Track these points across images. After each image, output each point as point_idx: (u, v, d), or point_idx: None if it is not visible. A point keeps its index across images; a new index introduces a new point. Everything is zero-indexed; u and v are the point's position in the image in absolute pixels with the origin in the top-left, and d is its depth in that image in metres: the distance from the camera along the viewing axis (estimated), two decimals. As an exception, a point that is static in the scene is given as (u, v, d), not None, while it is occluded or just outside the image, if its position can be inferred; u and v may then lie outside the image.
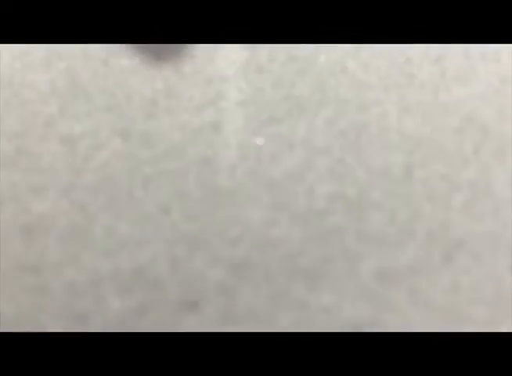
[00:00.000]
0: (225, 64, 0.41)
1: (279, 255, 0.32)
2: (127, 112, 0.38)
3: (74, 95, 0.39)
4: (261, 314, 0.31)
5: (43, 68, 0.40)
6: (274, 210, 0.34)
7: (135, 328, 0.30)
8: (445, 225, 0.33)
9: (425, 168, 0.35)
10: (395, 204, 0.34)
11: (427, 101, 0.39)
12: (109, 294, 0.31)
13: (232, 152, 0.37)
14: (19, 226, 0.33)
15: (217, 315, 0.31)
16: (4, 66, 0.40)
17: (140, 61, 0.41)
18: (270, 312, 0.31)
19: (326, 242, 0.32)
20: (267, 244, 0.33)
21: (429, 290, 0.31)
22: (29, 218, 0.33)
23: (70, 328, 0.30)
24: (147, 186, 0.35)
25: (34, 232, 0.33)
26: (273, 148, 0.37)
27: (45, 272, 0.32)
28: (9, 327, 0.30)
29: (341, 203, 0.34)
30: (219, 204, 0.34)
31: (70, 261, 0.32)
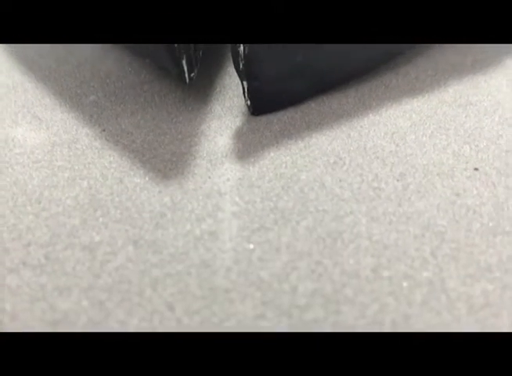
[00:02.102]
0: (222, 181, 0.47)
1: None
2: (138, 223, 0.43)
3: (94, 209, 0.44)
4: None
5: (68, 186, 0.46)
6: (263, 305, 0.38)
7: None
8: (407, 318, 0.37)
9: (390, 269, 0.40)
10: (365, 299, 0.38)
11: (392, 211, 0.44)
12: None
13: (228, 256, 0.41)
14: (47, 322, 0.37)
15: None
16: (34, 185, 0.47)
17: (149, 179, 0.47)
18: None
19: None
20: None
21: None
22: (55, 315, 0.38)
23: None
24: (155, 287, 0.39)
25: (60, 327, 0.37)
26: (262, 252, 0.41)
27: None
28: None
29: (320, 299, 0.38)
30: (216, 301, 0.38)
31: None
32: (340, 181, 0.46)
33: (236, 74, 0.50)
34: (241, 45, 0.47)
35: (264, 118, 0.52)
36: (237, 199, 0.45)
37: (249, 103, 0.52)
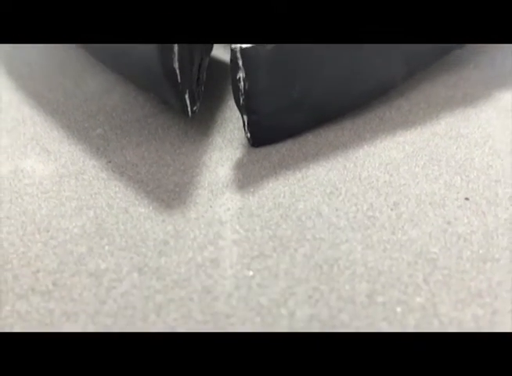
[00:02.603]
0: (223, 210, 0.48)
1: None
2: (142, 251, 0.45)
3: (100, 238, 0.46)
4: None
5: (75, 216, 0.48)
6: (263, 330, 0.39)
7: None
8: (401, 341, 0.39)
9: (384, 295, 0.41)
10: (360, 324, 0.40)
11: (386, 239, 0.46)
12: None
13: (228, 282, 0.42)
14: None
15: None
16: (43, 215, 0.48)
17: (153, 209, 0.49)
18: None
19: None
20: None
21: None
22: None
23: None
24: (159, 312, 0.40)
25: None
26: (262, 279, 0.43)
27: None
28: None
29: (316, 324, 0.40)
30: (217, 325, 0.39)
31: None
32: (336, 210, 0.48)
33: (236, 107, 0.53)
34: (242, 81, 0.49)
35: (263, 150, 0.54)
36: (237, 227, 0.47)
37: (249, 135, 0.54)
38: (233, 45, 0.47)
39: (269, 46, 0.48)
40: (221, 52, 0.60)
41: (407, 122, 0.57)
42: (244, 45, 0.47)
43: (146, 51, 0.50)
